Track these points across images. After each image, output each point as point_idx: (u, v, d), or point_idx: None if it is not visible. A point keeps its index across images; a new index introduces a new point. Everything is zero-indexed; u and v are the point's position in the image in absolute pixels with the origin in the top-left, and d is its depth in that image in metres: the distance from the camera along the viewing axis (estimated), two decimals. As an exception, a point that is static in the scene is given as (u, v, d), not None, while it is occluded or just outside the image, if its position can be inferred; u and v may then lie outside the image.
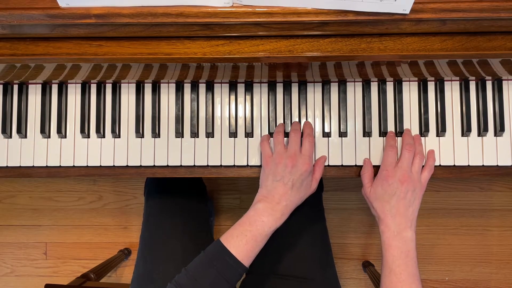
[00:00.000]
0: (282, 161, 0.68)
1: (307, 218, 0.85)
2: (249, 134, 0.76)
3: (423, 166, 0.71)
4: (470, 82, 0.74)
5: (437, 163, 0.74)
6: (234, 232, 0.65)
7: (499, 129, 0.73)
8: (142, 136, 0.76)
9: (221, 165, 0.76)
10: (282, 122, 0.75)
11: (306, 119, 0.76)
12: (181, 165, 0.76)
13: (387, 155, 0.70)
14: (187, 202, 0.92)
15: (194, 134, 0.75)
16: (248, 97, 0.76)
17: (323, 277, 0.81)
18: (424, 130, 0.74)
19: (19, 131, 0.76)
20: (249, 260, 0.65)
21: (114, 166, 0.76)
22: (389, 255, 0.65)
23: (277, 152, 0.70)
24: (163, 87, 0.77)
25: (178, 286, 0.61)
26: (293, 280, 0.80)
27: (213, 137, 0.76)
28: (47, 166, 0.76)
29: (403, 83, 0.75)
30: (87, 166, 0.76)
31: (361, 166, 0.75)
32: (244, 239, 0.64)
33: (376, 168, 0.73)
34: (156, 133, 0.76)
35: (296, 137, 0.71)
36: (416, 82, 0.75)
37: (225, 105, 0.76)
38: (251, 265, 0.82)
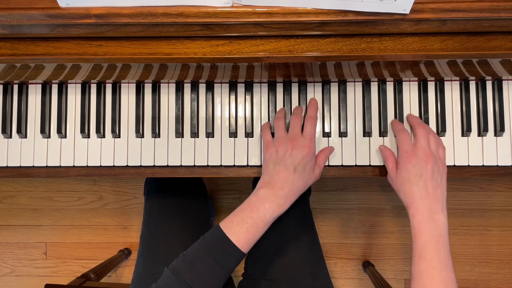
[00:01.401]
0: (282, 145, 0.67)
1: (296, 221, 0.84)
2: (249, 134, 0.76)
3: None
4: (470, 82, 0.74)
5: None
6: (234, 218, 0.64)
7: (499, 129, 0.73)
8: (142, 136, 0.76)
9: (221, 165, 0.76)
10: (283, 107, 0.75)
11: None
12: (181, 165, 0.76)
13: (401, 138, 0.68)
14: (187, 202, 0.92)
15: (194, 134, 0.75)
16: (248, 97, 0.76)
17: (314, 279, 0.81)
18: (424, 130, 0.74)
19: (19, 131, 0.76)
20: (249, 247, 0.64)
21: (114, 166, 0.76)
22: (419, 241, 0.62)
23: (277, 137, 0.69)
24: (163, 87, 0.77)
25: (174, 271, 0.61)
26: (285, 284, 0.80)
27: (213, 137, 0.76)
28: (47, 166, 0.76)
29: (403, 83, 0.75)
30: (87, 166, 0.76)
31: (361, 166, 0.75)
32: (244, 226, 0.63)
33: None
34: (156, 133, 0.76)
35: (297, 120, 0.69)
36: (416, 82, 0.75)
37: (225, 105, 0.76)
38: (244, 270, 0.81)
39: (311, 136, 0.68)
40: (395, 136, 0.72)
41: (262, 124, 0.75)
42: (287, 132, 0.70)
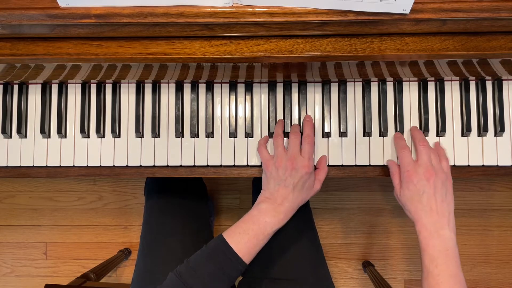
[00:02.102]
0: (282, 164, 0.68)
1: (296, 220, 0.85)
2: (249, 134, 0.76)
3: None
4: (470, 82, 0.74)
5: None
6: (236, 229, 0.66)
7: (499, 129, 0.73)
8: (142, 136, 0.76)
9: (221, 165, 0.76)
10: (282, 118, 0.75)
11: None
12: (181, 165, 0.76)
13: (402, 156, 0.69)
14: (187, 202, 0.92)
15: (194, 134, 0.75)
16: (248, 97, 0.76)
17: (315, 277, 0.82)
18: (424, 130, 0.74)
19: (19, 131, 0.76)
20: (250, 257, 0.65)
21: (114, 166, 0.76)
22: (427, 256, 0.62)
23: (277, 155, 0.70)
24: (163, 87, 0.77)
25: (178, 274, 0.63)
26: (285, 283, 0.80)
27: (213, 137, 0.76)
28: (47, 166, 0.76)
29: (403, 83, 0.75)
30: (87, 166, 0.76)
31: (361, 166, 0.75)
32: (246, 236, 0.65)
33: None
34: (156, 133, 0.76)
35: (296, 139, 0.71)
36: (416, 82, 0.75)
37: (225, 105, 0.76)
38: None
39: (309, 155, 0.70)
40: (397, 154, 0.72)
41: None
42: (286, 149, 0.71)
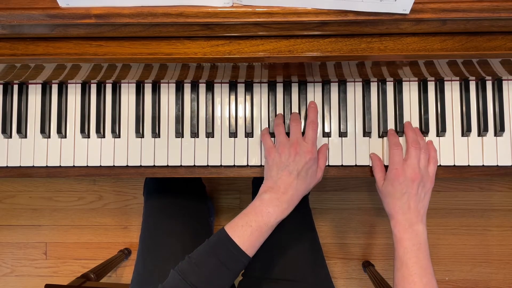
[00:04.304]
0: (285, 150, 0.68)
1: (296, 220, 0.85)
2: (249, 134, 0.76)
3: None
4: (470, 82, 0.74)
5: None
6: (239, 221, 0.64)
7: (499, 129, 0.73)
8: (142, 136, 0.76)
9: (221, 165, 0.76)
10: (282, 112, 0.75)
11: (306, 119, 0.75)
12: (181, 165, 0.76)
13: (393, 154, 0.70)
14: (187, 202, 0.92)
15: (194, 134, 0.75)
16: (248, 97, 0.76)
17: (315, 278, 0.81)
18: (424, 130, 0.74)
19: (19, 131, 0.76)
20: (253, 250, 0.64)
21: (114, 166, 0.76)
22: (401, 248, 0.65)
23: (279, 142, 0.69)
24: (163, 87, 0.77)
25: (180, 272, 0.61)
26: (285, 283, 0.80)
27: (213, 137, 0.76)
28: (47, 166, 0.76)
29: (403, 83, 0.75)
30: (87, 166, 0.76)
31: (361, 166, 0.75)
32: (249, 229, 0.63)
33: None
34: (156, 133, 0.76)
35: (297, 126, 0.70)
36: (416, 82, 0.75)
37: (225, 105, 0.76)
38: (244, 269, 0.81)
39: (313, 141, 0.69)
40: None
41: (261, 129, 0.75)
42: (288, 137, 0.70)
